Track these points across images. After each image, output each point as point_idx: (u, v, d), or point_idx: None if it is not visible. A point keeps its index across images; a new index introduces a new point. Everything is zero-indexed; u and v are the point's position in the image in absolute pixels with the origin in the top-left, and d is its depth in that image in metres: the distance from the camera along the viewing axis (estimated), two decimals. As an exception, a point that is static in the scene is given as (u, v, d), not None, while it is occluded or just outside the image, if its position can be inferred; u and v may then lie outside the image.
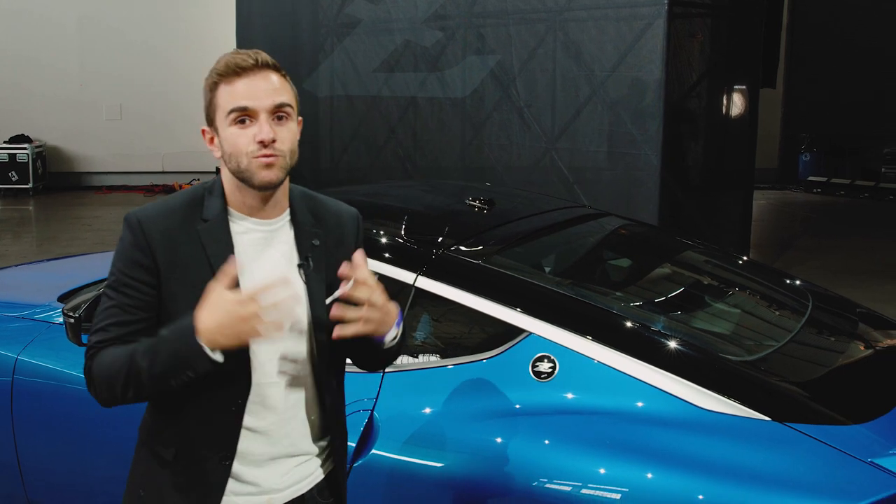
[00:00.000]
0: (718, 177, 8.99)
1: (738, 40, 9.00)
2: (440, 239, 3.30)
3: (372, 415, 2.93)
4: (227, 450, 2.14)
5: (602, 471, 2.59)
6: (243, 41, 12.51)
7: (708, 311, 3.42)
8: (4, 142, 15.30)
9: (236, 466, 2.16)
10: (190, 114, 16.10)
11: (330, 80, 11.17)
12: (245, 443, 2.16)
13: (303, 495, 2.26)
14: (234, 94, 2.06)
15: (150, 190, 15.85)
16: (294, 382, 2.19)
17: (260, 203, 2.13)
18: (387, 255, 3.18)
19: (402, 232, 3.41)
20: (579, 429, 2.72)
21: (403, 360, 3.01)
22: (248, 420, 2.15)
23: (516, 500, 2.68)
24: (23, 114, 15.68)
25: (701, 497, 2.46)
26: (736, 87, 9.21)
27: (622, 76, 8.26)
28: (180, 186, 16.12)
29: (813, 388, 2.91)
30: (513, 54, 9.14)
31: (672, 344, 2.91)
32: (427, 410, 2.89)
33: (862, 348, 3.36)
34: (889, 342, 3.44)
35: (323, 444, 2.29)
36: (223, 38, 14.29)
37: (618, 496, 2.52)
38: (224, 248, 2.09)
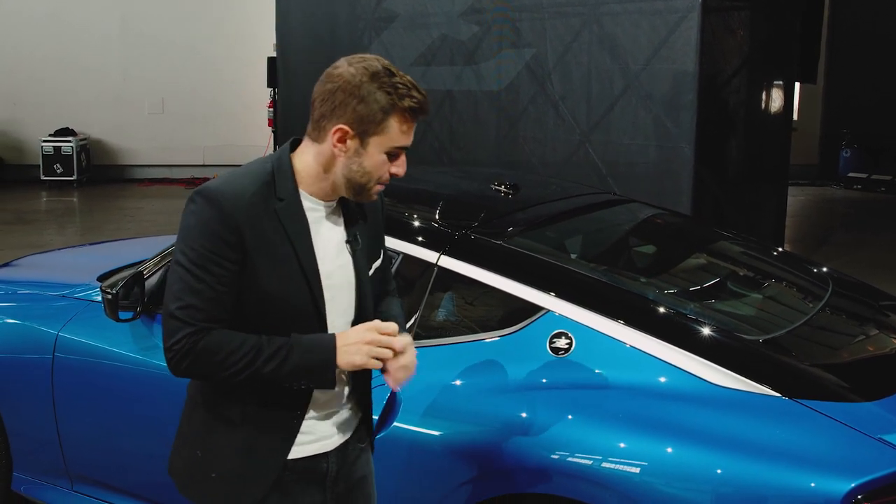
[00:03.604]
0: (753, 170, 8.96)
1: (774, 34, 8.97)
2: (463, 220, 3.39)
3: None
4: (299, 409, 2.31)
5: (621, 444, 2.66)
6: (283, 37, 12.65)
7: (723, 291, 3.47)
8: (49, 135, 15.56)
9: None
10: (230, 108, 16.33)
11: (368, 73, 11.26)
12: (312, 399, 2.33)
13: (347, 440, 2.44)
14: (406, 133, 2.21)
15: (191, 182, 16.03)
16: None
17: (332, 191, 2.28)
18: (412, 235, 3.28)
19: (428, 213, 3.50)
20: (596, 403, 2.80)
21: (426, 336, 3.10)
22: None
23: (535, 472, 2.76)
24: (68, 108, 15.94)
25: (718, 471, 2.52)
26: (771, 80, 9.19)
27: (656, 69, 8.27)
28: (221, 180, 16.24)
29: (825, 367, 2.97)
30: (548, 48, 9.18)
31: (687, 321, 2.97)
32: (448, 384, 2.98)
33: (877, 330, 3.40)
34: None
35: (356, 396, 2.47)
36: (262, 34, 14.51)
37: (636, 469, 2.59)
38: (301, 226, 2.23)
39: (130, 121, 16.29)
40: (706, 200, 8.18)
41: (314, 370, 2.19)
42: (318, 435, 2.37)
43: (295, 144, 2.32)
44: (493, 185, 3.86)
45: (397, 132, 2.18)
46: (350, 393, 2.43)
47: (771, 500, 2.46)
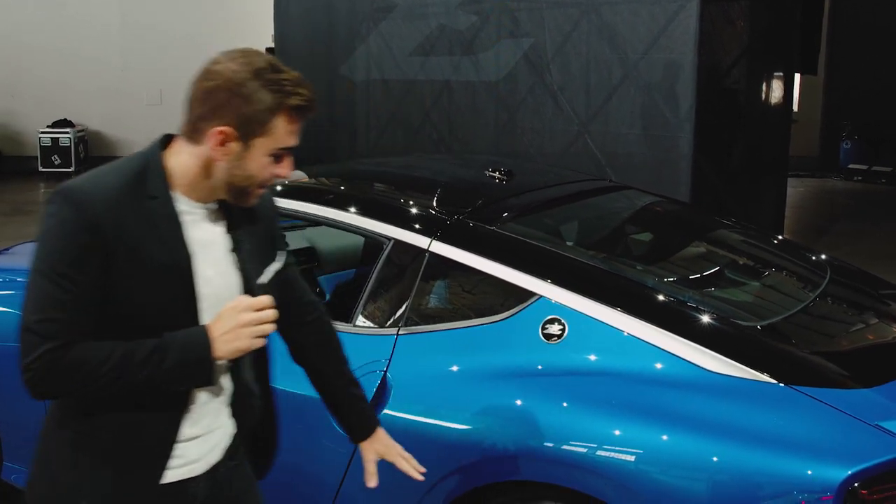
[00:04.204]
0: (753, 161, 8.93)
1: (774, 24, 8.92)
2: (456, 205, 3.35)
3: (385, 376, 2.98)
4: (174, 427, 2.12)
5: (615, 432, 2.62)
6: (281, 28, 12.59)
7: (720, 278, 3.44)
8: (47, 126, 15.53)
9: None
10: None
11: (367, 64, 11.22)
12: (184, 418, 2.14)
13: (218, 462, 2.25)
14: (293, 133, 2.06)
15: (190, 174, 16.02)
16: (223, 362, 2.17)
17: (209, 194, 2.09)
18: (403, 220, 3.24)
19: (420, 199, 3.47)
20: (590, 390, 2.76)
21: (417, 322, 3.06)
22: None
23: (528, 460, 2.72)
24: (65, 99, 15.92)
25: (714, 459, 2.49)
26: (771, 70, 9.15)
27: (655, 59, 8.23)
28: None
29: (822, 354, 2.93)
30: (546, 38, 9.14)
31: (682, 308, 2.94)
32: (439, 371, 2.94)
33: (876, 318, 3.36)
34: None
35: (234, 414, 2.26)
36: (261, 25, 14.45)
37: (631, 457, 2.55)
38: (174, 226, 2.03)
39: (129, 112, 16.24)
40: (705, 191, 8.14)
41: (192, 368, 1.99)
42: (187, 459, 2.16)
43: (166, 141, 2.10)
44: (487, 172, 3.82)
45: (284, 133, 2.03)
46: (226, 409, 2.24)
47: (767, 487, 2.43)
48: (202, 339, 1.99)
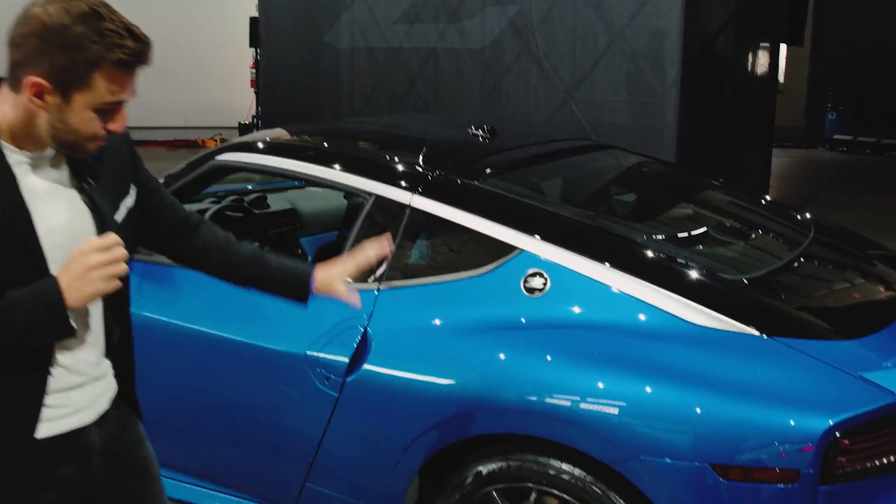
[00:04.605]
0: (738, 130, 8.92)
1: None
2: (438, 161, 3.32)
3: (366, 331, 2.95)
4: (39, 378, 2.00)
5: (599, 385, 2.58)
6: (265, -6, 12.50)
7: (705, 233, 3.41)
8: (28, 96, 15.37)
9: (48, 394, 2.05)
10: (214, 69, 16.16)
11: (351, 32, 11.14)
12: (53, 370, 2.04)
13: (106, 411, 2.17)
14: (121, 89, 1.87)
15: (172, 145, 15.92)
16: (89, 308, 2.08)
17: (40, 142, 1.92)
18: (386, 176, 3.20)
19: (402, 155, 3.43)
20: (572, 343, 2.73)
21: (398, 277, 3.04)
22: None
23: (511, 413, 2.70)
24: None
25: (697, 410, 2.47)
26: (758, 38, 9.12)
27: (641, 25, 8.20)
28: (202, 142, 16.18)
29: (806, 307, 2.92)
30: (532, 4, 9.09)
31: (665, 261, 2.91)
32: (420, 326, 2.91)
33: (860, 274, 3.35)
34: (888, 269, 3.42)
35: (112, 360, 2.20)
36: (245, -8, 14.34)
37: (615, 410, 2.53)
38: (5, 178, 1.88)
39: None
40: (691, 159, 8.13)
41: (46, 322, 1.87)
42: (74, 406, 2.07)
43: None
44: (470, 130, 3.78)
45: (106, 89, 1.83)
46: (105, 355, 2.16)
47: (750, 438, 2.41)
48: (50, 291, 1.85)
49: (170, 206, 2.33)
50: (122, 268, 1.90)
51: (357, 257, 2.45)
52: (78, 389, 2.07)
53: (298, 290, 2.41)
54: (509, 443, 2.77)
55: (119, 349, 2.20)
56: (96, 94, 1.84)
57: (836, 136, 17.41)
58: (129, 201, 2.15)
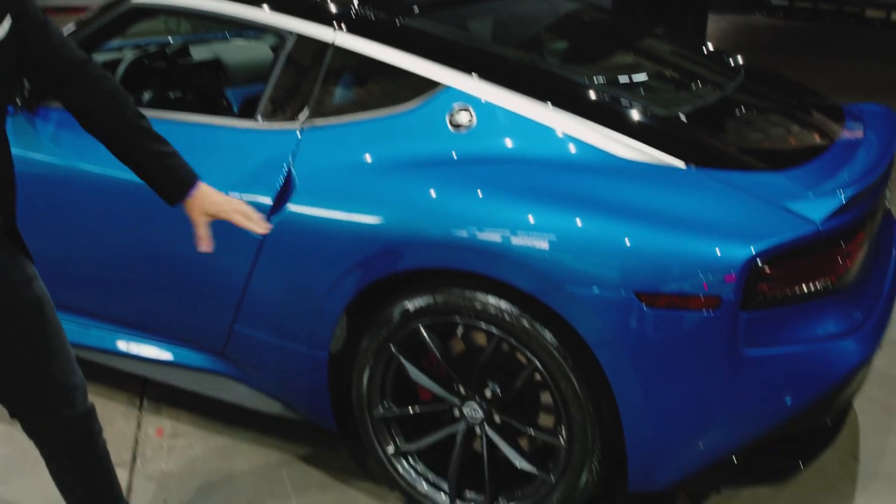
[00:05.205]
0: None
1: None
2: (362, -2, 3.21)
3: (289, 171, 2.89)
4: None
5: (528, 218, 2.54)
6: None
7: (635, 70, 3.37)
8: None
9: None
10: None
11: None
12: None
13: None
14: None
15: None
16: None
17: None
18: (307, 12, 3.10)
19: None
20: (499, 177, 2.69)
21: (321, 115, 2.96)
22: None
23: (437, 248, 2.67)
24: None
25: (626, 242, 2.45)
26: None
27: None
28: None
29: (733, 141, 2.90)
30: None
31: (590, 94, 2.87)
32: (344, 164, 2.86)
33: (790, 113, 3.34)
34: (819, 111, 3.42)
35: None
36: None
37: (545, 244, 2.50)
38: None
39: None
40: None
41: None
42: None
43: None
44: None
45: None
46: None
47: (675, 267, 2.41)
48: None
49: (58, 45, 2.21)
50: None
51: (234, 212, 2.43)
52: None
53: (170, 191, 2.36)
54: (438, 277, 2.75)
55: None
56: None
57: (774, 2, 17.33)
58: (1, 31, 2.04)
